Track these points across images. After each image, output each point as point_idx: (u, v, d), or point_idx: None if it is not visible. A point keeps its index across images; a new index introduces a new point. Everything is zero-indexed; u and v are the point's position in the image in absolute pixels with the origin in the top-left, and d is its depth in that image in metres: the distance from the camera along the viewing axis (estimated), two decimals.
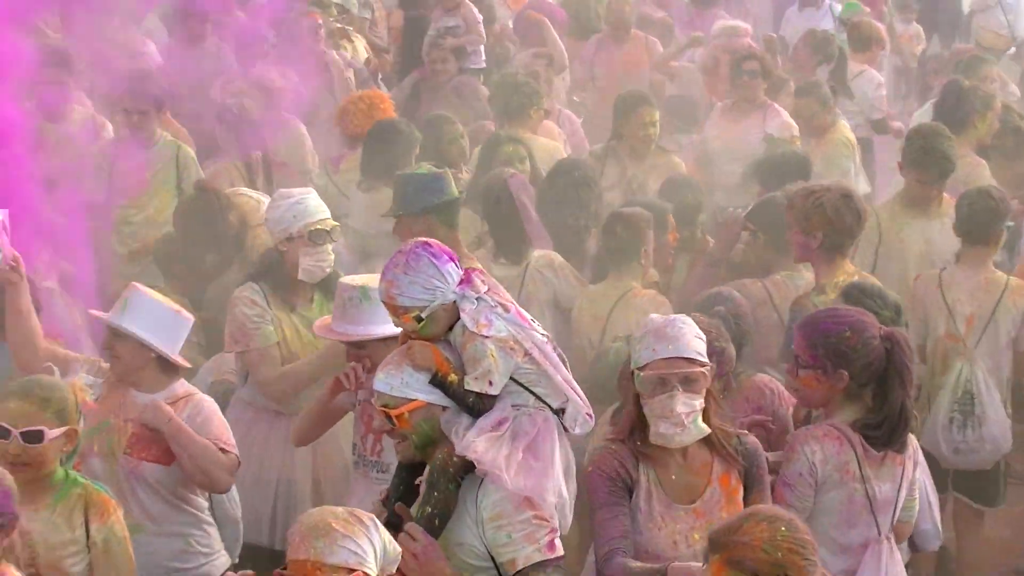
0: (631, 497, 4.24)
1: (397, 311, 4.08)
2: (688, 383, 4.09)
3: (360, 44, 10.50)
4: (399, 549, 3.69)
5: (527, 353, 4.04)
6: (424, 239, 4.28)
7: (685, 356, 4.09)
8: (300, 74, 8.62)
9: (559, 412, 4.11)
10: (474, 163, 7.73)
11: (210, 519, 5.20)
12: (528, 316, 4.20)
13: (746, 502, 4.19)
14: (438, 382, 4.00)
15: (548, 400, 4.08)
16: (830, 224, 5.73)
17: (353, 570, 3.44)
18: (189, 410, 5.09)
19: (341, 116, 8.05)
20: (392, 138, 7.47)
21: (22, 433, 4.34)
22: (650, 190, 7.43)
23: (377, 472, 5.23)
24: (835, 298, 5.58)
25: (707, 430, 4.15)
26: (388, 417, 4.03)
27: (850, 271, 5.85)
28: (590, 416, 4.20)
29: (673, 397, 4.09)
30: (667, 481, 4.29)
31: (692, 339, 4.14)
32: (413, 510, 4.07)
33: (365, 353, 5.11)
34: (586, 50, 10.32)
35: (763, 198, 6.77)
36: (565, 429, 4.13)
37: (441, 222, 6.05)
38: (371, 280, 5.12)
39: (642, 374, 4.11)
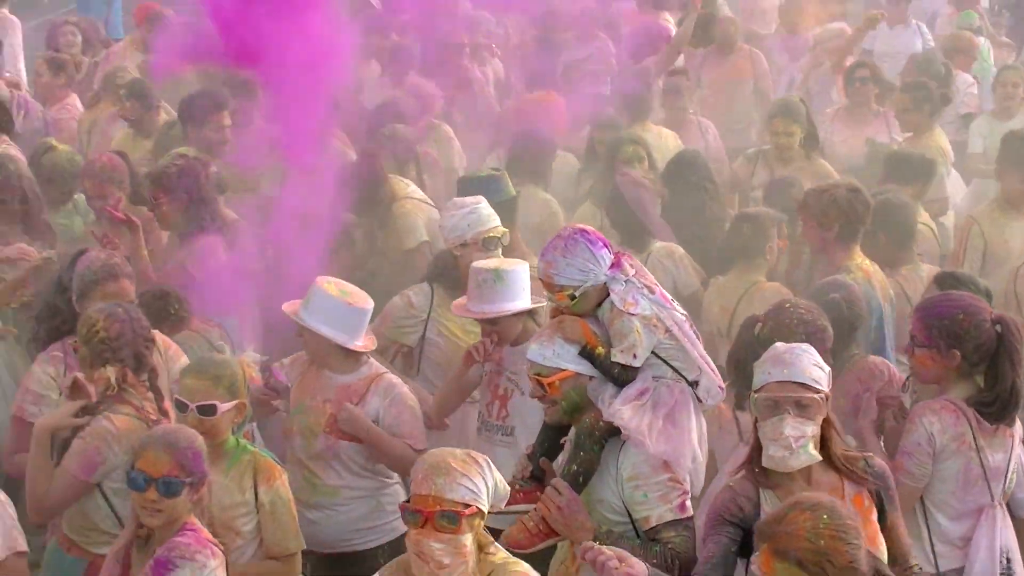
0: (744, 530, 4.06)
1: (552, 289, 4.24)
2: (800, 408, 3.97)
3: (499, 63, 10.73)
4: (508, 488, 3.81)
5: (668, 330, 4.19)
6: (582, 226, 4.42)
7: (798, 381, 3.98)
8: (445, 87, 8.89)
9: (693, 384, 4.25)
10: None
11: (399, 481, 5.42)
12: (669, 297, 4.32)
13: (881, 524, 4.09)
14: (587, 354, 4.15)
15: (684, 373, 4.23)
16: (844, 216, 5.98)
17: (468, 505, 3.59)
18: (381, 395, 5.31)
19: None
20: (533, 143, 7.68)
21: (197, 407, 4.57)
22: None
23: (501, 435, 5.47)
24: (862, 276, 5.87)
25: (817, 457, 4.01)
26: (540, 384, 4.19)
27: (860, 255, 6.09)
28: (722, 388, 4.33)
29: (783, 420, 3.96)
30: None
31: (809, 366, 4.03)
32: (559, 468, 4.23)
33: (496, 329, 5.33)
34: (694, 60, 10.44)
35: (881, 199, 6.81)
36: (699, 400, 4.25)
37: (500, 218, 6.26)
38: (502, 263, 5.42)
39: (756, 396, 4.03)
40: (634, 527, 4.14)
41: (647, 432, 4.11)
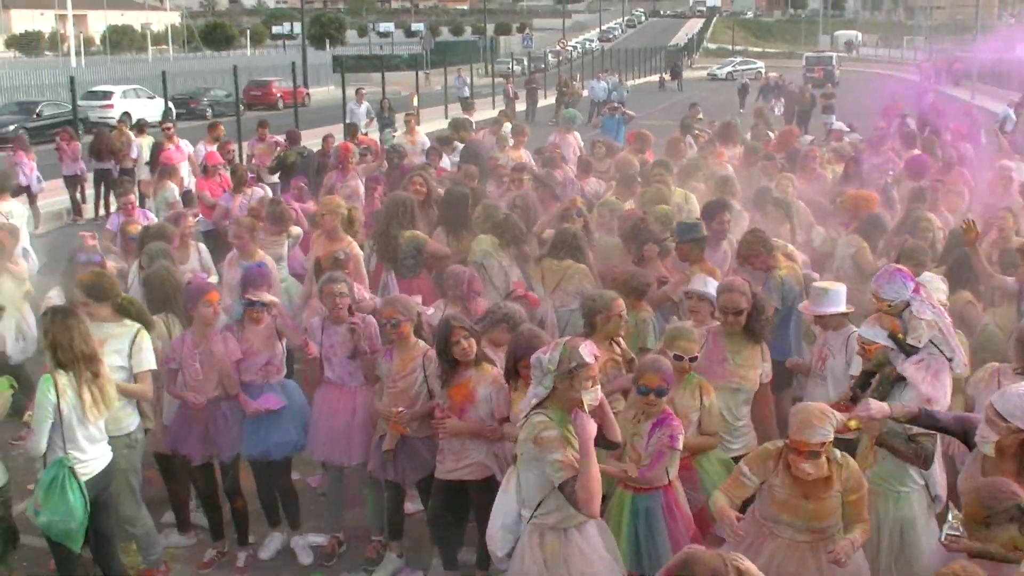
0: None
1: (880, 301, 5.67)
2: (992, 424, 4.78)
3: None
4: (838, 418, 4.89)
5: (940, 329, 5.57)
6: (898, 266, 5.90)
7: (997, 409, 4.75)
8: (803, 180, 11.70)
9: (949, 359, 5.55)
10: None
11: None
12: (941, 308, 5.72)
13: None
14: (892, 336, 5.59)
15: (944, 352, 5.51)
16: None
17: (824, 443, 4.86)
18: None
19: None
20: (874, 219, 9.54)
21: (689, 358, 6.02)
22: None
23: (820, 379, 6.81)
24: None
25: (990, 453, 4.80)
26: (864, 348, 5.77)
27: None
28: (965, 364, 5.70)
29: (984, 425, 4.90)
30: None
31: (1007, 404, 4.71)
32: (875, 395, 5.54)
33: (823, 320, 6.80)
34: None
35: None
36: (952, 369, 5.57)
37: (693, 247, 8.07)
38: (831, 285, 6.81)
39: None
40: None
41: (920, 381, 5.43)
